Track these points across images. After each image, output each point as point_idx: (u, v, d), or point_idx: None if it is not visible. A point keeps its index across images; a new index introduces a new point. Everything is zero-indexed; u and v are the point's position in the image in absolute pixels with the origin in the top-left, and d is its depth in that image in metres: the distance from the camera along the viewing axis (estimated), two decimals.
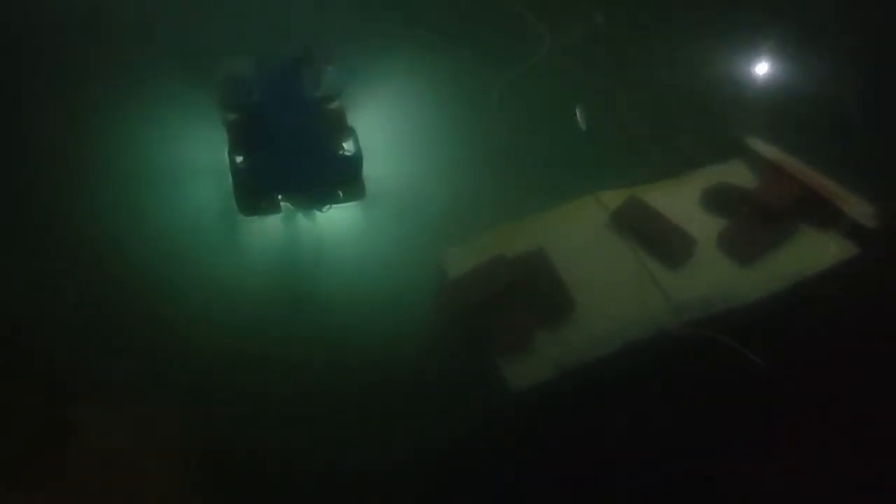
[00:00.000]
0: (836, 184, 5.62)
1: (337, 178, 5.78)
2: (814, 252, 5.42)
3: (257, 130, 5.78)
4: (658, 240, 5.48)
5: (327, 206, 5.87)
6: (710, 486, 4.89)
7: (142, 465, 5.03)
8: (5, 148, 6.17)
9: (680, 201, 5.73)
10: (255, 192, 5.70)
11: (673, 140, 6.28)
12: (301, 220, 6.04)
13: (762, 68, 6.71)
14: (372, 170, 5.89)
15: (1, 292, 5.53)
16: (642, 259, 5.47)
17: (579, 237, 5.63)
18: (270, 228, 6.00)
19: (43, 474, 4.95)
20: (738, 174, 5.92)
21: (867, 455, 4.89)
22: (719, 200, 5.72)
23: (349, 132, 5.91)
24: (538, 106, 6.57)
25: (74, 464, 5.01)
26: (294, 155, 5.69)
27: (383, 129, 6.34)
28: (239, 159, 5.72)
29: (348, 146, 5.86)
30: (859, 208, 5.50)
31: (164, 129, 6.30)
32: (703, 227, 5.57)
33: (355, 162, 5.77)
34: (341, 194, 5.82)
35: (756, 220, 5.52)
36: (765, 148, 5.94)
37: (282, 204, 5.84)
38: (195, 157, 6.16)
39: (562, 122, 6.31)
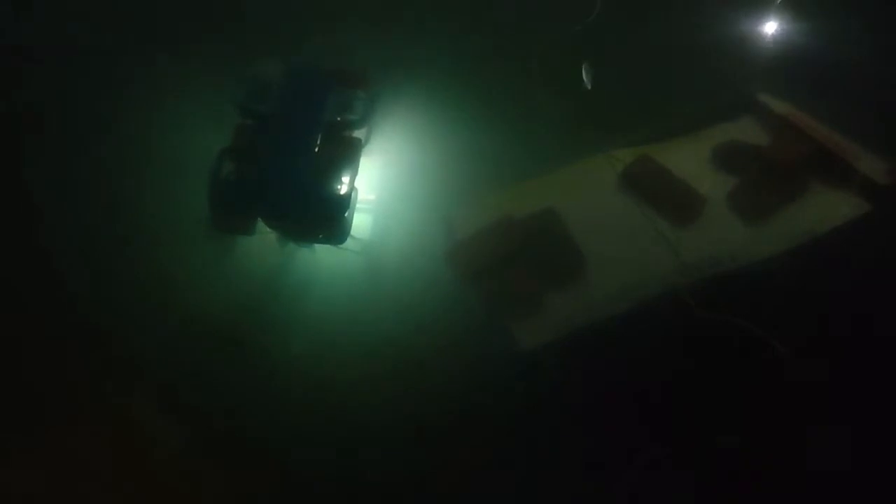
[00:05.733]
0: (849, 140, 5.54)
1: (315, 216, 5.25)
2: (825, 210, 5.36)
3: (259, 142, 5.25)
4: (668, 198, 5.43)
5: (306, 244, 5.49)
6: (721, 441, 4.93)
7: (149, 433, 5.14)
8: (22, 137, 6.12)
9: (690, 159, 5.65)
10: (228, 208, 5.24)
11: (683, 97, 6.16)
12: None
13: (773, 23, 6.56)
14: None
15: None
16: (652, 218, 5.43)
17: (589, 196, 5.58)
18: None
19: (51, 441, 5.08)
20: (748, 131, 5.82)
21: (881, 412, 4.91)
22: (730, 158, 5.64)
23: (353, 169, 5.32)
24: (549, 63, 6.43)
25: (83, 430, 5.13)
26: (281, 179, 5.13)
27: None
28: (227, 167, 5.21)
29: (346, 181, 5.31)
30: (872, 165, 5.42)
31: (186, 123, 6.05)
32: (713, 185, 5.50)
33: (339, 205, 5.21)
34: (319, 236, 5.39)
35: (767, 178, 5.46)
36: (776, 104, 5.83)
37: (260, 227, 5.38)
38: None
39: (571, 80, 6.18)
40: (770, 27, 6.55)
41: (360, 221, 5.57)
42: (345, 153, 5.37)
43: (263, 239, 5.52)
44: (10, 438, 5.08)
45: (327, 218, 5.27)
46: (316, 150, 5.19)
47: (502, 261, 5.25)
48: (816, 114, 5.70)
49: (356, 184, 5.34)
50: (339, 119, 5.34)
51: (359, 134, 5.51)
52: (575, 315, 5.10)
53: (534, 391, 5.12)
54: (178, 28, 6.54)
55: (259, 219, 5.35)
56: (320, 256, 5.62)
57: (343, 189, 5.26)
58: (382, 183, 5.80)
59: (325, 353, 5.31)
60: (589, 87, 6.14)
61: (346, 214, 5.30)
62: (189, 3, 6.69)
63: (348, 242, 5.45)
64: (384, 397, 5.14)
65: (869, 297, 5.19)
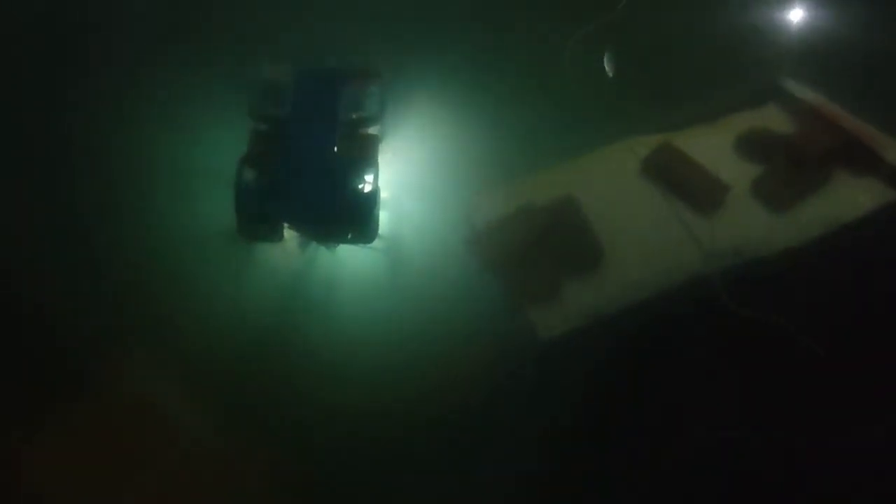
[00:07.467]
0: (874, 128, 5.48)
1: (346, 216, 5.21)
2: (850, 199, 5.32)
3: (277, 146, 5.23)
4: (690, 187, 5.38)
5: (334, 245, 5.44)
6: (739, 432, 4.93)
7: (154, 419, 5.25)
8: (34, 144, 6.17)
9: (713, 147, 5.60)
10: (255, 215, 5.24)
11: (707, 85, 6.11)
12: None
13: (799, 10, 6.49)
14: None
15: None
16: (674, 206, 5.39)
17: (610, 184, 5.54)
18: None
19: (58, 424, 5.20)
20: (773, 119, 5.76)
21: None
22: (753, 146, 5.59)
23: (374, 166, 5.31)
24: (570, 51, 6.39)
25: (88, 414, 5.25)
26: (306, 182, 5.12)
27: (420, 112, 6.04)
28: (249, 175, 5.20)
29: (369, 179, 5.28)
30: None
31: (196, 131, 6.04)
32: (736, 173, 5.45)
33: (368, 203, 5.21)
34: (349, 235, 5.34)
35: (791, 167, 5.41)
36: (800, 92, 5.77)
37: (288, 232, 5.39)
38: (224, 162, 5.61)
39: (593, 68, 6.14)
40: (795, 14, 6.47)
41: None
42: (364, 151, 5.38)
43: (285, 244, 5.56)
44: (38, 427, 5.19)
45: (357, 217, 5.25)
46: (335, 149, 5.20)
47: (522, 249, 5.23)
48: (842, 102, 5.63)
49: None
50: (353, 117, 5.34)
51: (374, 130, 5.50)
52: (595, 304, 5.09)
53: (552, 381, 5.14)
54: (186, 37, 6.51)
55: (286, 224, 5.35)
56: (342, 257, 5.61)
57: (367, 187, 5.27)
58: (400, 178, 5.77)
59: (347, 348, 5.37)
60: (611, 75, 6.11)
61: (374, 212, 5.30)
62: (194, 9, 6.65)
63: (375, 241, 5.47)
64: (405, 388, 5.18)
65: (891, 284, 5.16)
